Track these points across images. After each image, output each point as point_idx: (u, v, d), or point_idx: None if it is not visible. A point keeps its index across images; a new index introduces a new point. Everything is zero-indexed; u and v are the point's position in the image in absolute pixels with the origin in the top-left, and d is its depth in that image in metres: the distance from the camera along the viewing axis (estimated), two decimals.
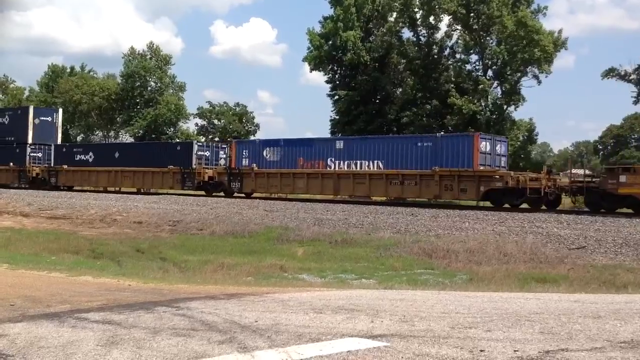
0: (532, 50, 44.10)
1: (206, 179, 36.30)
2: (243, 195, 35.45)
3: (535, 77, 46.91)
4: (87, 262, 17.21)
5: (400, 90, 53.62)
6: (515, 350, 4.99)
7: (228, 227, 23.15)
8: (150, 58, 74.64)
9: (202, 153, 38.14)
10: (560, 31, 46.76)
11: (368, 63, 53.11)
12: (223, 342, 5.39)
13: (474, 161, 27.12)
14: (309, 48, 55.39)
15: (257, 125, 79.01)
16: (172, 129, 73.47)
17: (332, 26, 52.85)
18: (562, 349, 5.08)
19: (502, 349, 5.03)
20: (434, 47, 50.84)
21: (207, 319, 6.53)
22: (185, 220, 25.21)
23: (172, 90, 74.99)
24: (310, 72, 58.19)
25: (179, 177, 37.36)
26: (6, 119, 50.11)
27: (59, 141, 49.95)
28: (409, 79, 52.13)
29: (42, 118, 48.96)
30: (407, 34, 52.33)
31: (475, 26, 47.79)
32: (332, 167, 31.51)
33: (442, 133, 33.86)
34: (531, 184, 25.50)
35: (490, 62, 48.39)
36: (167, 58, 75.85)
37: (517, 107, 48.57)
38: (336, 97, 55.19)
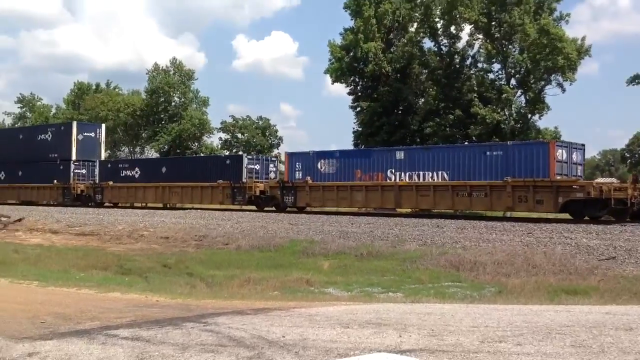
0: (555, 58, 43.70)
1: (257, 193, 35.16)
2: (295, 209, 34.21)
3: (560, 85, 46.46)
4: (115, 278, 17.34)
5: (423, 100, 53.44)
6: None
7: (253, 241, 23.22)
8: (174, 73, 75.32)
9: (252, 166, 36.88)
10: (583, 38, 46.24)
11: (389, 74, 53.09)
12: (251, 358, 5.40)
13: (550, 170, 25.54)
14: (330, 60, 55.53)
15: (281, 139, 79.22)
16: (196, 144, 73.99)
17: (353, 38, 52.94)
18: None
19: None
20: (456, 56, 50.64)
21: (234, 334, 6.54)
22: (211, 235, 25.33)
23: (195, 105, 75.55)
24: (332, 84, 58.25)
25: (229, 191, 36.21)
26: (49, 136, 49.16)
27: (103, 157, 49.21)
28: (431, 89, 51.94)
29: (85, 134, 48.00)
30: (428, 44, 52.21)
31: (497, 35, 47.54)
32: (393, 178, 30.05)
33: (513, 141, 32.29)
34: (616, 194, 23.66)
35: (513, 71, 48.05)
36: (190, 73, 76.48)
37: (542, 115, 48.07)
38: (358, 108, 55.18)
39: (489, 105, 45.88)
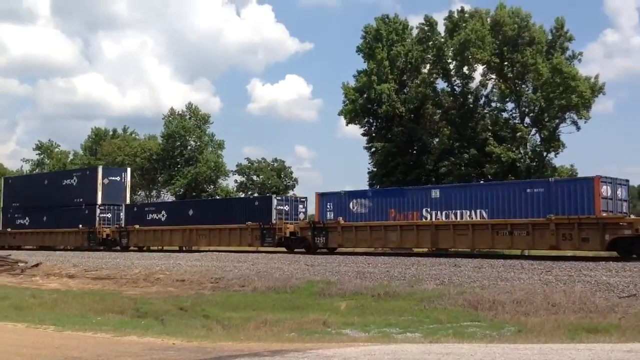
0: (569, 96, 43.73)
1: (287, 234, 34.32)
2: (326, 250, 33.37)
3: (574, 122, 46.44)
4: (131, 322, 17.31)
5: (437, 140, 53.55)
6: None
7: (269, 283, 23.14)
8: (190, 118, 76.22)
9: (281, 207, 36.27)
10: (597, 76, 46.32)
11: (403, 114, 53.35)
12: None
13: (595, 207, 24.80)
14: (344, 102, 55.93)
15: (296, 180, 79.41)
16: (212, 186, 74.40)
17: (366, 79, 53.40)
18: None
19: None
20: (469, 96, 50.88)
21: None
22: (226, 277, 25.29)
23: (211, 148, 76.17)
24: (346, 125, 58.53)
25: (258, 233, 35.38)
26: (74, 180, 49.04)
27: (128, 201, 48.85)
28: (445, 129, 52.08)
29: (110, 178, 47.67)
30: (441, 84, 52.52)
31: (510, 74, 47.80)
32: (428, 217, 29.38)
33: (554, 178, 31.89)
34: None
35: (527, 110, 48.15)
36: (205, 117, 77.32)
37: (557, 153, 47.98)
38: (373, 149, 55.38)
39: (504, 144, 45.90)
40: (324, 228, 32.72)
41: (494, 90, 50.03)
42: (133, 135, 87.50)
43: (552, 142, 46.68)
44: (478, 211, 28.16)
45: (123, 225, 43.63)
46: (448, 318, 16.21)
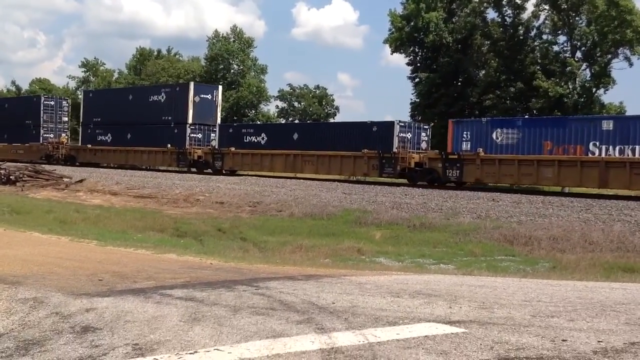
0: (623, 31, 42.22)
1: (412, 164, 31.26)
2: (454, 184, 30.37)
3: (627, 58, 44.94)
4: (171, 241, 17.74)
5: (483, 72, 52.48)
6: (599, 341, 4.84)
7: (306, 209, 23.34)
8: (234, 41, 75.86)
9: (403, 135, 33.02)
10: None
11: (450, 45, 52.21)
12: (301, 322, 5.46)
13: None
14: (390, 30, 54.94)
15: (337, 108, 79.18)
16: (253, 111, 74.61)
17: (414, 7, 52.16)
18: None
19: (585, 339, 4.89)
20: (520, 27, 49.42)
21: (285, 299, 6.62)
22: (265, 201, 25.58)
23: (253, 73, 76.06)
24: (391, 54, 57.72)
25: (376, 162, 32.46)
26: (162, 97, 45.73)
27: (219, 121, 45.54)
28: (492, 61, 50.90)
29: (202, 96, 44.35)
30: (491, 14, 51.11)
31: (564, 6, 46.14)
32: (597, 153, 26.14)
33: None
34: None
35: (579, 44, 46.70)
36: (249, 41, 76.93)
37: (607, 90, 46.73)
38: (417, 79, 54.59)
39: (552, 79, 44.78)
40: (459, 160, 29.45)
41: (546, 22, 48.49)
42: (177, 56, 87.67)
43: (603, 78, 45.40)
44: None
45: (217, 147, 41.20)
46: (482, 251, 16.23)
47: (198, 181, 33.54)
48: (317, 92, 77.59)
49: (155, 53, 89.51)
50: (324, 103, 76.99)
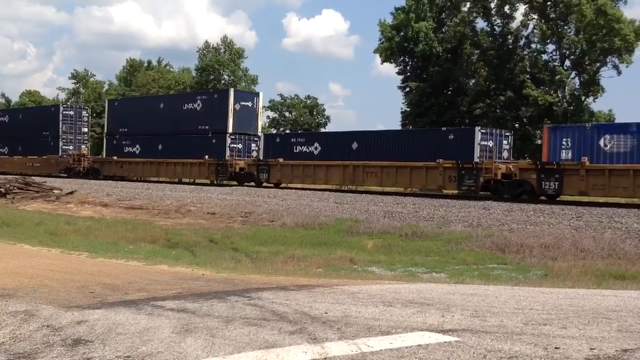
0: (612, 39, 42.62)
1: (498, 176, 27.76)
2: (547, 197, 26.96)
3: (615, 67, 45.32)
4: (162, 252, 17.67)
5: (473, 81, 52.77)
6: (591, 348, 4.84)
7: (298, 219, 23.32)
8: (224, 52, 75.99)
9: (485, 143, 29.63)
10: None
11: (440, 54, 52.49)
12: (293, 332, 5.45)
13: None
14: (380, 40, 55.24)
15: (328, 118, 79.26)
16: None
17: (404, 17, 52.47)
18: None
19: (577, 347, 4.90)
20: (509, 37, 49.77)
21: (278, 309, 6.60)
22: (256, 211, 25.54)
23: (244, 83, 76.12)
24: (382, 63, 57.99)
25: (454, 173, 29.13)
26: (198, 105, 42.41)
27: (259, 130, 42.18)
28: (482, 70, 51.20)
29: (242, 103, 40.78)
30: (481, 24, 51.54)
31: (553, 15, 46.54)
32: None
33: None
34: None
35: (567, 52, 47.08)
36: (240, 51, 77.05)
37: (596, 98, 47.09)
38: (407, 88, 54.82)
39: (542, 87, 45.10)
40: (558, 170, 26.22)
41: (535, 31, 48.91)
42: (167, 67, 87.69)
43: (592, 86, 45.76)
44: None
45: (262, 158, 37.93)
46: (474, 260, 16.26)
47: (189, 192, 33.46)
48: (308, 102, 77.72)
49: (146, 64, 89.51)
50: (315, 113, 77.12)
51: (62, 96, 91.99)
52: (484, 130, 30.67)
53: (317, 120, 77.12)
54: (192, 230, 22.47)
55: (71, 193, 34.22)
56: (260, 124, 42.33)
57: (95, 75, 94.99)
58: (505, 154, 30.42)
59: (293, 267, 15.27)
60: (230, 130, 39.61)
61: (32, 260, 12.86)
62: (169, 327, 5.72)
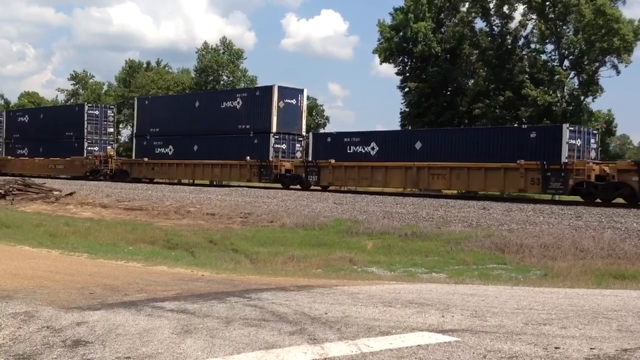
0: (611, 39, 42.64)
1: (592, 178, 25.37)
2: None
3: (614, 67, 45.36)
4: (162, 253, 17.66)
5: (472, 81, 52.82)
6: (591, 348, 4.85)
7: (298, 220, 23.30)
8: (223, 52, 76.03)
9: (573, 141, 27.13)
10: None
11: (439, 54, 52.51)
12: (293, 333, 5.45)
13: None
14: (379, 40, 55.25)
15: (327, 118, 79.28)
16: None
17: (403, 17, 52.48)
18: None
19: (577, 347, 4.90)
20: (508, 37, 49.78)
21: (277, 310, 6.60)
22: (256, 212, 25.52)
23: (243, 84, 76.15)
24: (381, 64, 58.08)
25: (538, 175, 26.77)
26: (238, 103, 39.97)
27: (304, 130, 39.52)
28: (481, 70, 51.23)
29: (286, 100, 38.31)
30: (479, 24, 51.58)
31: (551, 15, 46.55)
32: None
33: None
34: None
35: (566, 52, 47.08)
36: (239, 52, 77.16)
37: (595, 98, 47.12)
38: (406, 89, 54.83)
39: (541, 87, 45.13)
40: None
41: (534, 31, 48.92)
42: (166, 68, 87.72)
43: (591, 86, 45.78)
44: None
45: (311, 159, 35.59)
46: (474, 260, 16.25)
47: (189, 193, 33.44)
48: (307, 102, 77.72)
49: (145, 65, 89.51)
50: (314, 113, 77.11)
51: (62, 97, 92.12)
52: (572, 128, 28.03)
53: (317, 121, 77.11)
54: (192, 231, 22.45)
55: (70, 194, 34.19)
56: (304, 122, 39.72)
57: (94, 77, 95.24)
58: (592, 154, 28.18)
59: (293, 267, 15.27)
60: (274, 129, 37.46)
61: (32, 261, 12.85)
62: (168, 328, 5.71)
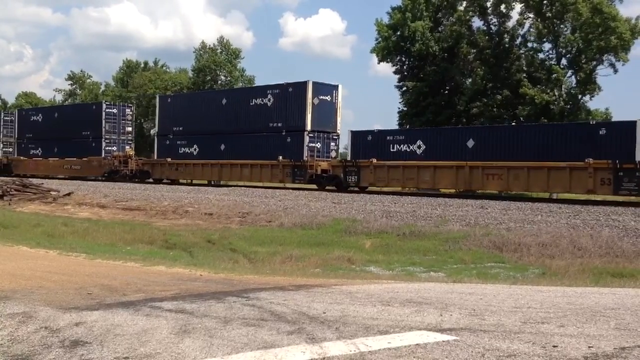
0: (608, 37, 42.68)
1: None
2: None
3: (612, 65, 45.38)
4: (160, 252, 17.66)
5: (470, 80, 52.85)
6: (589, 346, 4.85)
7: (296, 219, 23.30)
8: (221, 52, 76.02)
9: None
10: (638, 18, 45.09)
11: (437, 53, 52.51)
12: (292, 332, 5.44)
13: None
14: (377, 39, 55.23)
15: None
16: None
17: (401, 16, 52.47)
18: (639, 345, 4.91)
19: (576, 345, 4.90)
20: (505, 35, 49.79)
21: (276, 309, 6.60)
22: (254, 212, 25.52)
23: (241, 84, 76.14)
24: (378, 63, 58.19)
25: (608, 175, 24.51)
26: (269, 100, 37.92)
27: (339, 127, 37.40)
28: (479, 69, 51.26)
29: (321, 97, 36.27)
30: (477, 23, 51.56)
31: (549, 14, 46.55)
32: None
33: None
34: None
35: (564, 51, 47.09)
36: (236, 52, 77.13)
37: (593, 96, 47.14)
38: (404, 88, 54.85)
39: (538, 86, 45.16)
40: None
41: (531, 29, 48.94)
42: (164, 68, 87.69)
43: (588, 84, 45.81)
44: None
45: (350, 159, 33.61)
46: (472, 259, 16.27)
47: (187, 192, 33.41)
48: None
49: (142, 65, 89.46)
50: None
51: (59, 97, 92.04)
52: None
53: None
54: (190, 231, 22.45)
55: (68, 194, 34.16)
56: (339, 120, 37.46)
57: (91, 77, 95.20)
58: None
59: (291, 267, 15.27)
60: (308, 127, 35.57)
61: (30, 261, 12.84)
62: (167, 328, 5.71)
